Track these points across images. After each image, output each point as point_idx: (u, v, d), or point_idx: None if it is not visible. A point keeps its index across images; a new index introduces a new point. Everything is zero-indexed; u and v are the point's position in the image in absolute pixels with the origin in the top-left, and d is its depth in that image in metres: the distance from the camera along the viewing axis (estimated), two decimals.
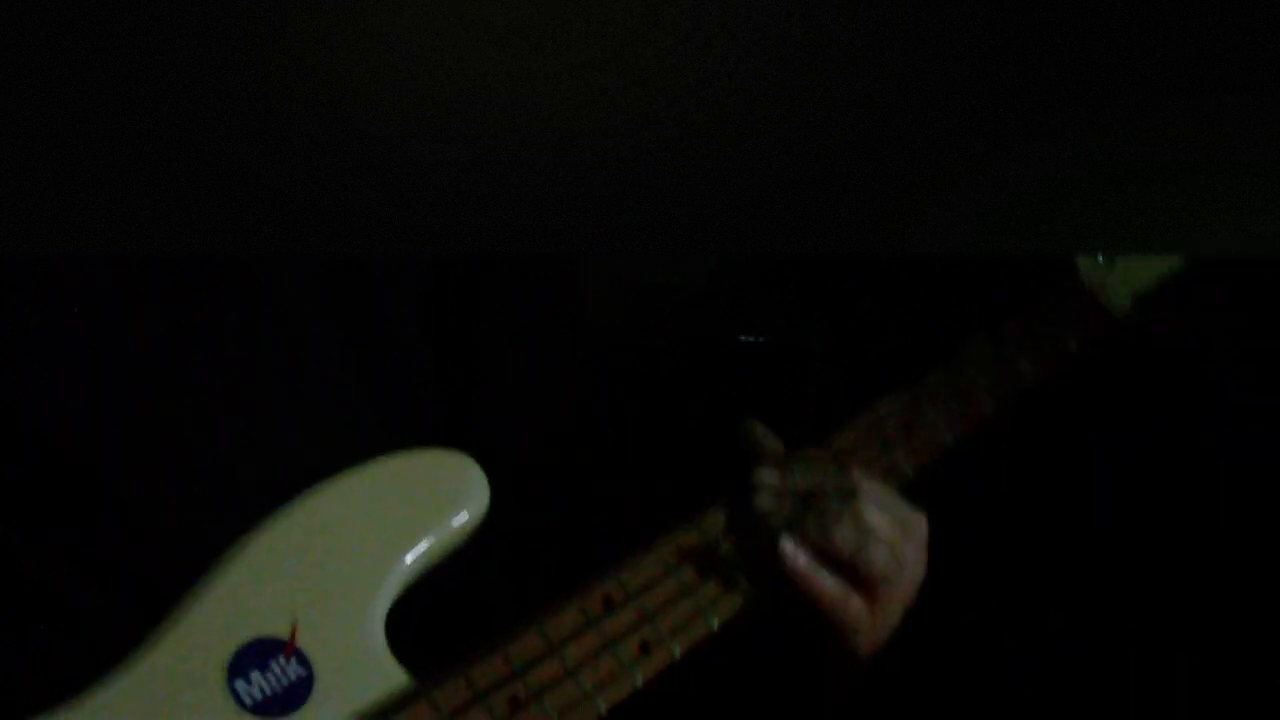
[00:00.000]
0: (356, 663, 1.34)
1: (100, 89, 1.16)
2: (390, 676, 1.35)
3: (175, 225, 1.32)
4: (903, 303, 1.88)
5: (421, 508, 1.41)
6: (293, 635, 1.33)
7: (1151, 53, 1.34)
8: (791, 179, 1.43)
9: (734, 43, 1.32)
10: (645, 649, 1.40)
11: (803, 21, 1.32)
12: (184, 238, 1.34)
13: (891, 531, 1.48)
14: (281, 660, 1.32)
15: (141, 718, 1.28)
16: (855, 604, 1.47)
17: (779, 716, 1.54)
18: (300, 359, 1.47)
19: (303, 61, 1.23)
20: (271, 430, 1.44)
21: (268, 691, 1.31)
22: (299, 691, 1.32)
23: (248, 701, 1.30)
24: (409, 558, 1.39)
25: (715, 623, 1.45)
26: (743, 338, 1.62)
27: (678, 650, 1.42)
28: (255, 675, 1.31)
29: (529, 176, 1.36)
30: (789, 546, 1.46)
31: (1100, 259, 1.84)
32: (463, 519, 1.42)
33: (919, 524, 1.52)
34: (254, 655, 1.32)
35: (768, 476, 1.52)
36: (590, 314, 1.68)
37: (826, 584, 1.46)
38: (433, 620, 1.42)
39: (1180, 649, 1.92)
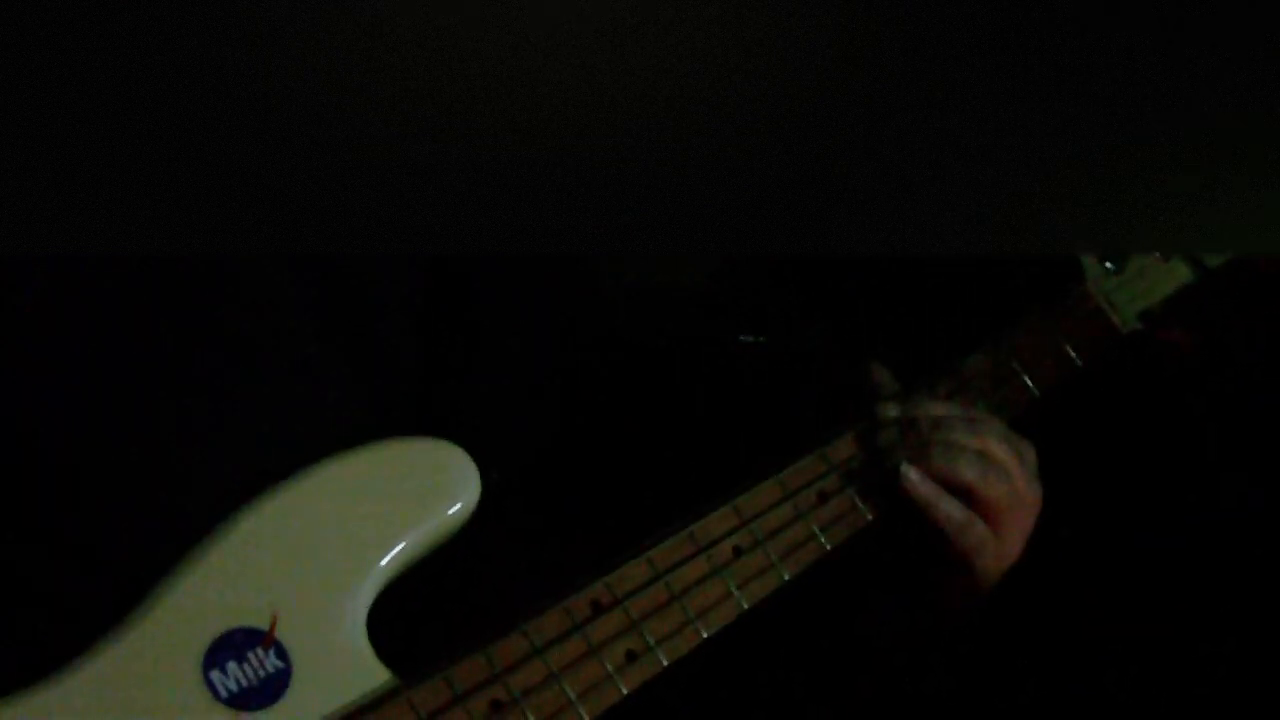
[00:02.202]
0: (336, 658, 1.31)
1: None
2: (370, 673, 1.31)
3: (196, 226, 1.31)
4: (903, 303, 1.85)
5: (409, 498, 1.37)
6: (272, 627, 1.30)
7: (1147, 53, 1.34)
8: (792, 179, 1.43)
9: (734, 43, 1.30)
10: (630, 657, 1.37)
11: (802, 22, 1.31)
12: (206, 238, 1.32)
13: (1011, 461, 1.56)
14: (260, 652, 1.29)
15: (112, 704, 1.25)
16: (980, 528, 1.54)
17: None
18: (286, 346, 1.44)
19: (305, 61, 1.20)
20: (256, 416, 1.40)
21: (243, 683, 1.28)
22: (276, 684, 1.29)
23: (222, 693, 1.27)
24: (394, 551, 1.35)
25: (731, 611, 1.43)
26: (743, 338, 1.60)
27: (664, 659, 1.38)
28: (231, 666, 1.28)
29: (530, 177, 1.34)
30: (913, 473, 1.52)
31: (1109, 267, 1.80)
32: (452, 511, 1.38)
33: (1030, 452, 1.60)
34: (231, 646, 1.28)
35: (892, 410, 1.58)
36: (592, 315, 1.65)
37: (951, 509, 1.53)
38: (418, 617, 1.39)
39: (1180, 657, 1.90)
